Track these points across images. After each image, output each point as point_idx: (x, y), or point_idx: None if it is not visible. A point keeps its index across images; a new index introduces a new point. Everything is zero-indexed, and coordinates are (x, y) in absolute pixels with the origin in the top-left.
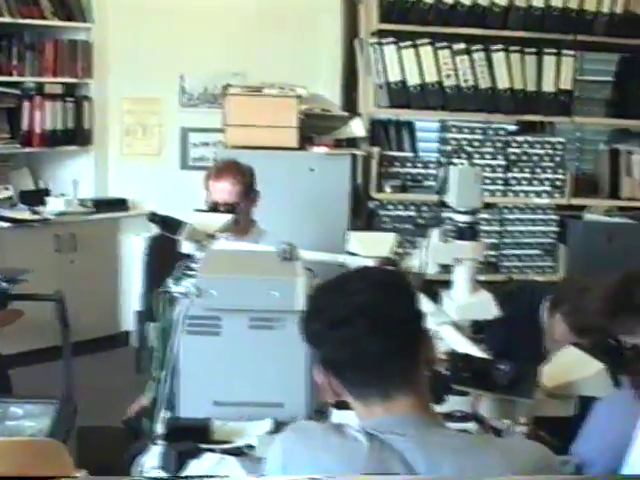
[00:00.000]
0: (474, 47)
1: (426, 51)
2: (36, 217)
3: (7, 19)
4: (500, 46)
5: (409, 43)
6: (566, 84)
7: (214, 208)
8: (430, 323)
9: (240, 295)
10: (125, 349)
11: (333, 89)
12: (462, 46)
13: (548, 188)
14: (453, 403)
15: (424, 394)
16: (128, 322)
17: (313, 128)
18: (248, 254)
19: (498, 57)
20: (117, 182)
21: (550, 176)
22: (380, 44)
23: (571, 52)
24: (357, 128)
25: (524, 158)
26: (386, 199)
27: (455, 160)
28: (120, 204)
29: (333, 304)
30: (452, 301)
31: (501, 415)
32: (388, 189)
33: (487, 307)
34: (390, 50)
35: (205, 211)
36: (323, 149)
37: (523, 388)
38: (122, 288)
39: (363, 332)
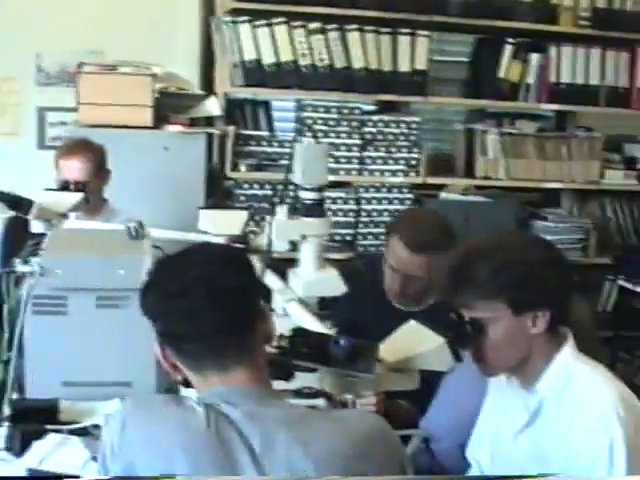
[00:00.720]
0: (329, 26)
1: (281, 30)
2: None
3: None
4: (355, 26)
5: (264, 22)
6: (421, 64)
7: (64, 187)
8: (277, 300)
9: (85, 274)
10: None
11: (190, 68)
12: (317, 25)
13: (403, 167)
14: (303, 380)
15: (261, 368)
16: None
17: (169, 107)
18: (95, 233)
19: (353, 37)
20: None
21: (405, 155)
22: (235, 22)
23: (426, 32)
24: (213, 107)
25: (379, 137)
26: (241, 178)
27: (310, 139)
28: None
29: (169, 277)
30: (298, 278)
31: (344, 390)
32: (243, 168)
33: (333, 283)
34: (245, 29)
35: (55, 190)
36: (177, 128)
37: (362, 363)
38: None
39: (198, 304)
